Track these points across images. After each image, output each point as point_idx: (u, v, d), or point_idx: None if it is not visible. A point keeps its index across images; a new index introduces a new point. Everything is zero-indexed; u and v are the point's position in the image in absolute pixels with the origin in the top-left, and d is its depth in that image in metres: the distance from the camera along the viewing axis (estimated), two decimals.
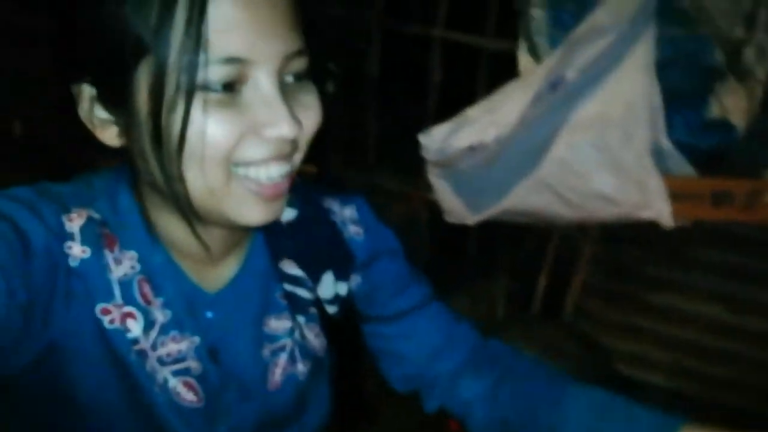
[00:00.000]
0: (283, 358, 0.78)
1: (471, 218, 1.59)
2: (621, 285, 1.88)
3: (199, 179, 0.60)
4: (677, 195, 1.34)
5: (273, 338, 0.77)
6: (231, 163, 0.60)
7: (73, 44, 0.61)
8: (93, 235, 0.65)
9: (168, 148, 0.59)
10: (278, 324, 0.77)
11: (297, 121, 0.60)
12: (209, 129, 0.58)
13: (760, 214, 1.33)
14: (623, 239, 1.80)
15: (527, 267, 1.94)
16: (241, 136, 0.59)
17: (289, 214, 0.78)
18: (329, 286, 0.79)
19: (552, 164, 1.41)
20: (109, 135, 0.62)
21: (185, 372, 0.70)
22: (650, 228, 1.56)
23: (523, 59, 1.55)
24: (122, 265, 0.67)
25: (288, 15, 0.60)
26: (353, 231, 0.83)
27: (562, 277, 1.88)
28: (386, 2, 1.84)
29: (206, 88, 0.57)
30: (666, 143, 1.37)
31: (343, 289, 0.79)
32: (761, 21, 1.32)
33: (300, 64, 0.61)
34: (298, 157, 0.65)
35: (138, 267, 0.68)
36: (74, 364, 0.65)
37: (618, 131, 1.36)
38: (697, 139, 1.39)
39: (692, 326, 1.84)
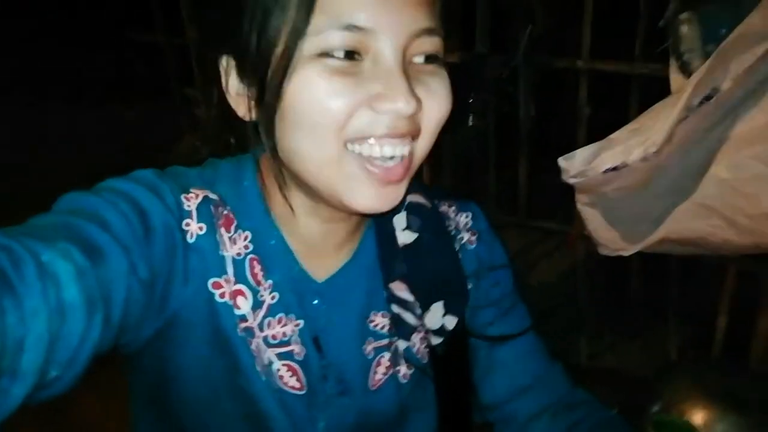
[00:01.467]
0: (386, 357, 0.77)
1: (627, 249, 1.48)
2: None
3: (313, 149, 0.61)
4: None
5: (377, 335, 0.76)
6: (345, 139, 0.61)
7: (214, 18, 0.66)
8: (208, 213, 0.68)
9: (285, 114, 0.61)
10: (383, 321, 0.77)
11: (415, 97, 0.59)
12: (325, 96, 0.58)
13: None
14: None
15: (702, 307, 1.75)
16: (356, 106, 0.59)
17: (407, 237, 0.77)
18: (437, 317, 0.76)
19: (712, 185, 1.29)
20: (243, 108, 0.65)
21: (289, 356, 0.71)
22: None
23: (675, 79, 1.46)
24: (236, 244, 0.69)
25: None
26: (466, 238, 0.83)
27: (746, 319, 1.67)
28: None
29: (327, 54, 0.58)
30: None
31: (450, 323, 0.77)
32: None
33: (430, 44, 0.61)
34: (422, 146, 0.64)
35: (251, 247, 0.70)
36: (184, 339, 0.68)
37: None
38: None
39: None
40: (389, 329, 0.77)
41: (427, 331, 0.77)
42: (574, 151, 1.34)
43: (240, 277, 0.69)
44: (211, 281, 0.68)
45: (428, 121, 0.63)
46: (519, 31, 1.76)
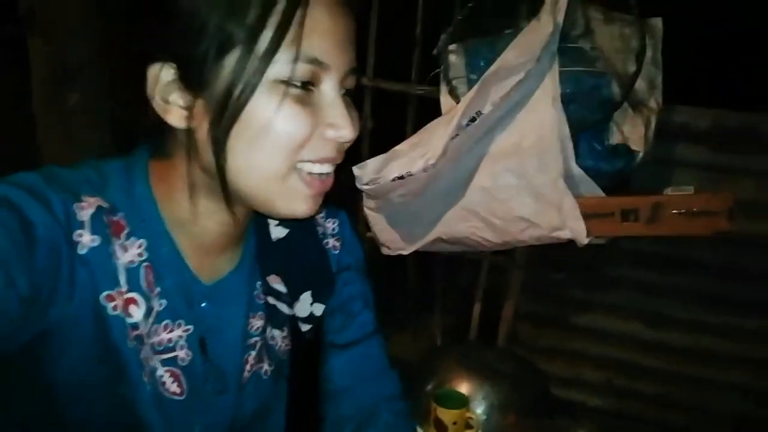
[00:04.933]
0: (252, 354, 0.81)
1: (406, 249, 1.67)
2: (549, 309, 2.00)
3: (263, 166, 0.65)
4: (589, 214, 1.47)
5: (250, 335, 0.81)
6: (298, 159, 0.66)
7: (161, 28, 0.64)
8: (101, 224, 0.66)
9: (238, 131, 0.63)
10: (254, 322, 0.81)
11: (356, 126, 0.67)
12: (286, 121, 0.63)
13: (663, 228, 1.47)
14: (547, 264, 1.93)
15: (461, 298, 2.04)
16: (312, 132, 0.65)
17: (279, 232, 0.83)
18: (306, 306, 0.83)
19: (476, 192, 1.53)
20: (176, 117, 0.65)
21: (173, 362, 0.72)
22: (570, 251, 1.69)
23: (445, 101, 1.69)
24: (128, 252, 0.68)
25: (354, 34, 0.68)
26: (331, 244, 0.89)
27: (495, 306, 1.98)
28: None
29: (288, 83, 0.63)
30: (576, 168, 1.50)
31: (318, 310, 0.84)
32: (648, 57, 1.50)
33: (353, 80, 0.69)
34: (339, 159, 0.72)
35: (145, 255, 0.69)
36: (64, 350, 0.65)
37: (533, 159, 1.49)
38: (602, 164, 1.54)
39: (618, 345, 1.96)
40: (260, 329, 0.81)
41: (297, 320, 0.83)
42: (366, 161, 1.49)
43: (134, 285, 0.68)
44: (103, 294, 0.66)
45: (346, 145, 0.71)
46: None
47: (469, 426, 1.38)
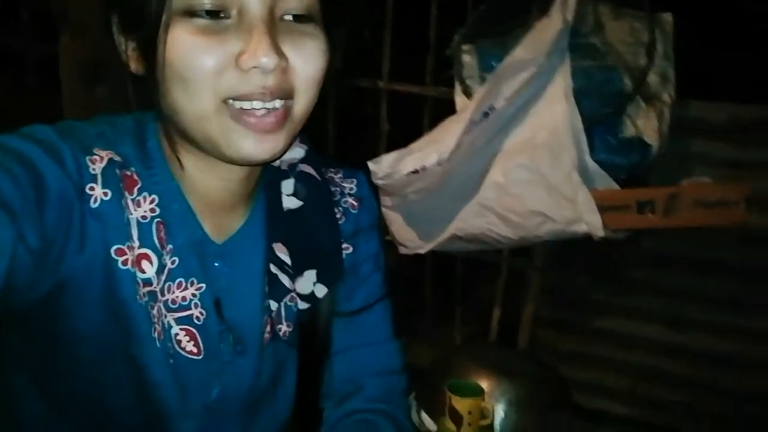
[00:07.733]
0: (273, 315, 0.79)
1: (423, 247, 1.68)
2: (570, 313, 1.97)
3: (189, 104, 0.62)
4: (605, 207, 1.47)
5: (266, 294, 0.79)
6: (224, 96, 0.61)
7: None
8: (114, 177, 0.65)
9: (158, 72, 0.60)
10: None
11: (277, 52, 0.60)
12: (191, 54, 0.59)
13: (680, 219, 1.46)
14: (567, 267, 1.91)
15: (481, 304, 2.03)
16: (222, 65, 0.60)
17: (292, 203, 0.78)
18: (308, 283, 0.78)
19: (490, 188, 1.54)
20: (133, 62, 0.65)
21: (188, 320, 0.71)
22: (591, 252, 1.68)
23: (459, 100, 1.71)
24: (141, 207, 0.68)
25: None
26: (349, 203, 0.86)
27: (515, 311, 1.97)
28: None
29: (192, 12, 0.59)
30: (590, 162, 1.51)
31: (320, 291, 0.78)
32: (660, 51, 1.51)
33: (297, 1, 0.62)
34: (300, 104, 0.65)
35: (157, 211, 0.69)
36: (78, 304, 0.65)
37: (546, 154, 1.50)
38: (617, 157, 1.54)
39: (642, 350, 1.92)
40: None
41: (297, 296, 0.79)
42: (381, 156, 1.52)
43: (146, 241, 0.68)
44: (114, 248, 0.66)
45: (299, 81, 0.64)
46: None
47: (484, 416, 1.36)
